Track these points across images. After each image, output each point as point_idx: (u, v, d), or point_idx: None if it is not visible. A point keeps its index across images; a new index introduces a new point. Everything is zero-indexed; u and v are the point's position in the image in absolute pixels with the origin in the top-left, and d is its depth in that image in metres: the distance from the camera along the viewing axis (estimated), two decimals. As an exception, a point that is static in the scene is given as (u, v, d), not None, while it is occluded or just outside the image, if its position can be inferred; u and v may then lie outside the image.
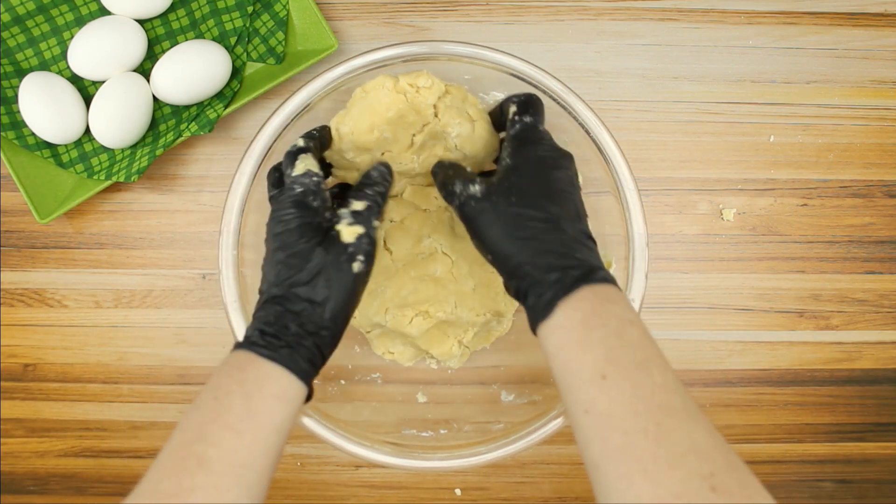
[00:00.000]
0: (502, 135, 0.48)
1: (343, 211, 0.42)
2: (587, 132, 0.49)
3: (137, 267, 0.60)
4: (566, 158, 0.43)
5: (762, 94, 0.59)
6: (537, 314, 0.38)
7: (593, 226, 0.42)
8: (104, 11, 0.56)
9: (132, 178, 0.55)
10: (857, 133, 0.60)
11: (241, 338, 0.45)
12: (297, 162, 0.43)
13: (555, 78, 0.49)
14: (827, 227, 0.60)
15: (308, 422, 0.49)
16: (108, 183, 0.56)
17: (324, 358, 0.41)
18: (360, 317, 0.54)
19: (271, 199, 0.45)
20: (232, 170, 0.49)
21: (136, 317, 0.60)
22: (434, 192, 0.52)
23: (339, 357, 0.58)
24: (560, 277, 0.38)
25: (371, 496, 0.62)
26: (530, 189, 0.41)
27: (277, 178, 0.45)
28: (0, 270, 0.60)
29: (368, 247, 0.41)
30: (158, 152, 0.55)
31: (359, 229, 0.41)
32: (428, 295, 0.51)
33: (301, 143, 0.44)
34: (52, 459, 0.62)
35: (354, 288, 0.41)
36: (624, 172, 0.49)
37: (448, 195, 0.43)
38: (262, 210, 0.53)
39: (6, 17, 0.55)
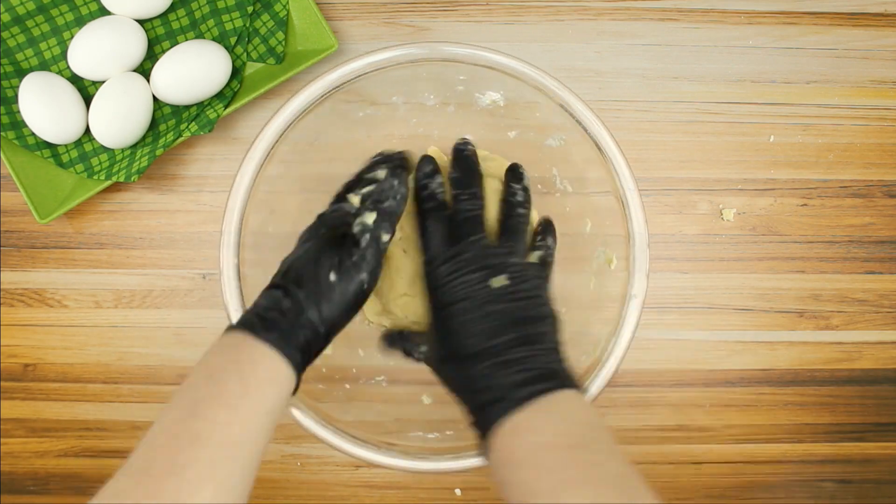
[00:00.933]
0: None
1: (360, 220, 0.44)
2: (586, 131, 0.49)
3: (137, 267, 0.60)
4: (435, 274, 0.44)
5: (762, 94, 0.59)
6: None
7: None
8: (104, 11, 0.56)
9: (132, 178, 0.55)
10: (857, 133, 0.60)
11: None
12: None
13: (553, 77, 0.49)
14: (827, 227, 0.60)
15: (312, 425, 0.48)
16: (108, 183, 0.56)
17: (312, 356, 0.41)
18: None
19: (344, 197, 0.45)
20: (232, 170, 0.49)
21: (136, 317, 0.60)
22: None
23: (343, 358, 0.58)
24: (474, 424, 0.41)
25: (371, 496, 0.62)
26: (440, 340, 0.44)
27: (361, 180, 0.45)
28: (0, 270, 0.60)
29: (375, 262, 0.43)
30: (158, 152, 0.55)
31: (368, 239, 0.43)
32: None
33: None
34: (52, 459, 0.62)
35: (354, 300, 0.42)
36: (624, 172, 0.49)
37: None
38: (263, 210, 0.53)
39: (6, 17, 0.55)
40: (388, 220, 0.44)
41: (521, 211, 0.47)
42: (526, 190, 0.47)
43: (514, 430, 0.38)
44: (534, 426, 0.37)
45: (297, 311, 0.40)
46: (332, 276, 0.41)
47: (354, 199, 0.44)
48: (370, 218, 0.43)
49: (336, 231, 0.43)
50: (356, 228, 0.43)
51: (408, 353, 0.48)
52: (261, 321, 0.39)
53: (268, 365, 0.38)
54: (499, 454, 0.38)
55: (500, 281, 0.42)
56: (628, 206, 0.49)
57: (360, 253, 0.42)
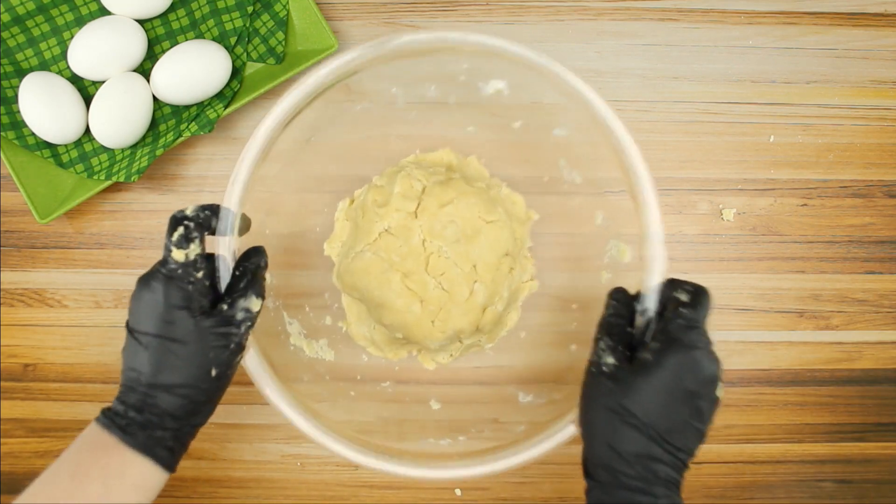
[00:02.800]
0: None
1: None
2: (593, 112, 0.46)
3: (137, 267, 0.60)
4: (710, 380, 0.39)
5: (762, 94, 0.59)
6: None
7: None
8: (104, 11, 0.56)
9: (132, 178, 0.55)
10: (857, 133, 0.60)
11: None
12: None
13: (559, 63, 0.46)
14: (827, 227, 0.60)
15: (312, 429, 0.48)
16: (108, 183, 0.56)
17: (187, 444, 0.43)
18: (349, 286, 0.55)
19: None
20: (232, 170, 0.49)
21: (136, 317, 0.60)
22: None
23: (348, 358, 0.58)
24: None
25: (371, 496, 0.62)
26: (653, 407, 0.38)
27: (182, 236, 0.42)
28: (0, 270, 0.60)
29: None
30: (158, 152, 0.55)
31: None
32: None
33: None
34: (52, 459, 0.61)
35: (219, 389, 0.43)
36: (637, 160, 0.46)
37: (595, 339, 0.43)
38: (262, 210, 0.53)
39: (6, 17, 0.55)
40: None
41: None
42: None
43: None
44: None
45: (168, 412, 0.41)
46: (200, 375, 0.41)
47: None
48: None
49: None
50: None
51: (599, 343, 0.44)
52: (129, 423, 0.40)
53: (136, 472, 0.40)
54: None
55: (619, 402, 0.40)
56: (641, 196, 0.46)
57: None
